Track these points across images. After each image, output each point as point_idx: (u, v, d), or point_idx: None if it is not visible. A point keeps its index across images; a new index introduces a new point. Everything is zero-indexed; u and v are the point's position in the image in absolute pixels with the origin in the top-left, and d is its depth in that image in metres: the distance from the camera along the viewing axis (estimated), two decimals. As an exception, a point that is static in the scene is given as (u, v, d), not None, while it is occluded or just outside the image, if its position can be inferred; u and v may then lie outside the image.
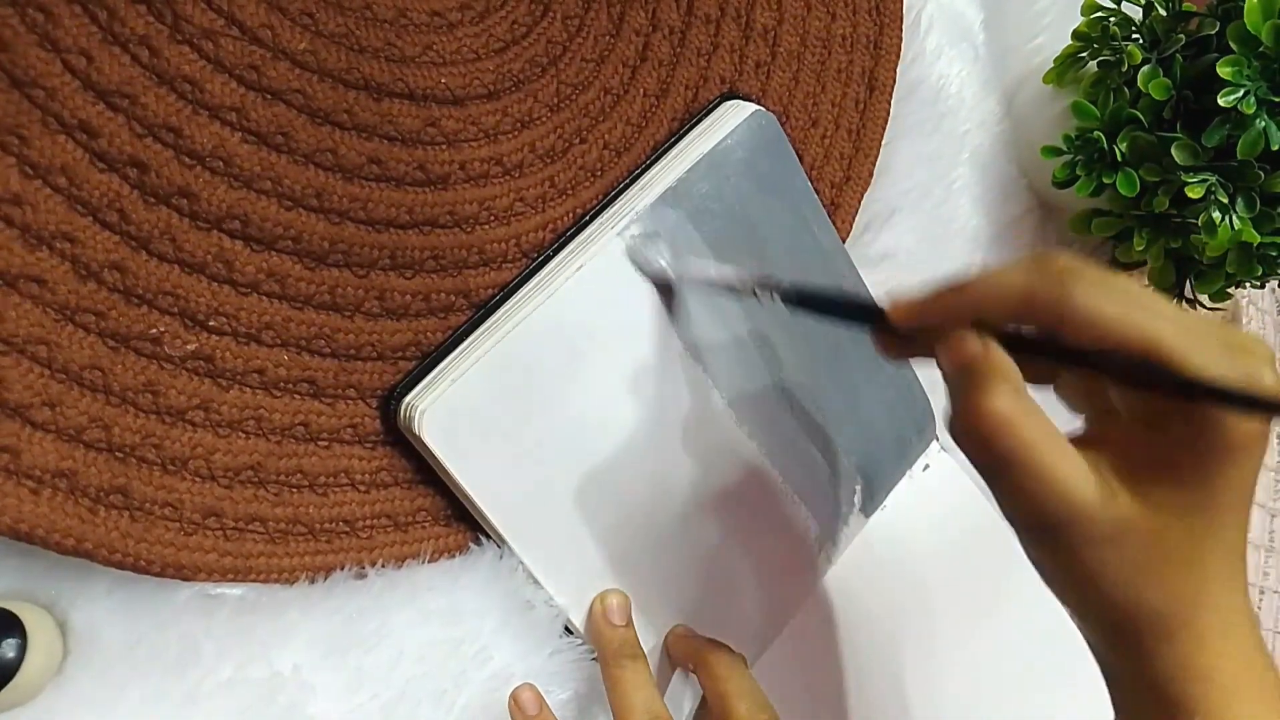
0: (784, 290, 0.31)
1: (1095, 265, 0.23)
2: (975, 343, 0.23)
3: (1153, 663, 0.23)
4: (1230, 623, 0.23)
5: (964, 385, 0.23)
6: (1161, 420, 0.23)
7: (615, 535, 0.35)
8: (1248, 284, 0.45)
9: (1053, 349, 0.23)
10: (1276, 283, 0.57)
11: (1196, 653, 0.23)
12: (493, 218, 0.33)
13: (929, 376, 0.46)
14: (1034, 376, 0.25)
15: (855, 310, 0.29)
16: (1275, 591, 0.66)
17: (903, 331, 0.26)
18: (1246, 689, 0.23)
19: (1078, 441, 0.23)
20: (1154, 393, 0.23)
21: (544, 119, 0.34)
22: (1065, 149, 0.44)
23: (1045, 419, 0.22)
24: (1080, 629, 0.26)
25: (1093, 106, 0.43)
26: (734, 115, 0.37)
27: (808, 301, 0.31)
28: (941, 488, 0.46)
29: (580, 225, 0.35)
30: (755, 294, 0.33)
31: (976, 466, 0.23)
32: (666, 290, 0.35)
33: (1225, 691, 0.22)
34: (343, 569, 0.31)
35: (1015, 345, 0.23)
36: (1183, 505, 0.22)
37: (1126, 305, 0.22)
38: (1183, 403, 0.22)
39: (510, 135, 0.33)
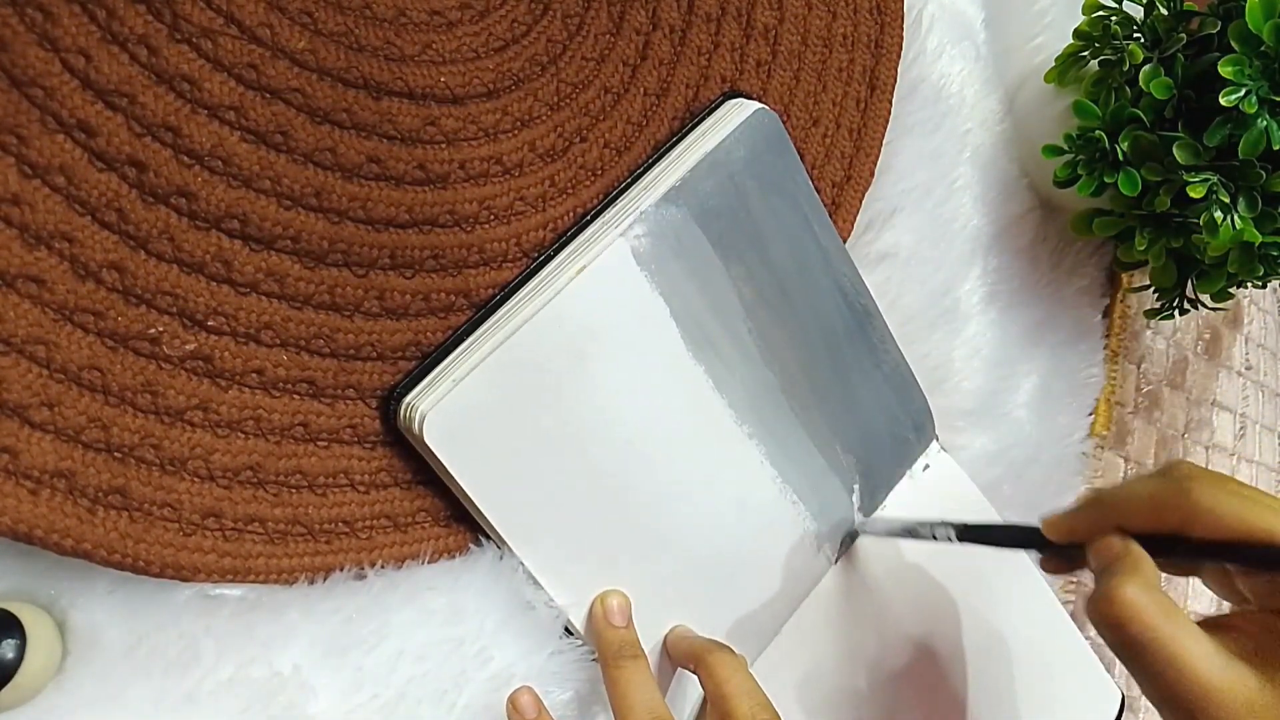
0: (958, 529, 0.38)
1: (1210, 472, 0.28)
2: (1118, 543, 0.28)
3: None
4: None
5: (1102, 577, 0.27)
6: None
7: (615, 536, 0.35)
8: (1249, 284, 0.45)
9: (1184, 545, 0.27)
10: (1278, 282, 0.57)
11: None
12: (493, 217, 0.33)
13: (928, 377, 0.46)
14: (1177, 571, 0.30)
15: (1020, 537, 0.35)
16: None
17: (1060, 546, 0.31)
18: None
19: (1210, 626, 0.26)
20: (1267, 573, 0.26)
21: (544, 118, 0.34)
22: (1066, 148, 0.44)
23: (1173, 605, 0.25)
24: None
25: (1094, 106, 0.43)
26: (735, 114, 0.37)
27: (977, 537, 0.38)
28: (941, 488, 0.46)
29: (581, 225, 0.35)
30: (934, 535, 0.39)
31: (1113, 649, 0.26)
32: (672, 298, 0.35)
33: None
34: (342, 569, 0.31)
35: (1155, 546, 0.27)
36: None
37: (1242, 500, 0.26)
38: None
39: (510, 134, 0.33)
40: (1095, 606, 0.26)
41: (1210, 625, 0.26)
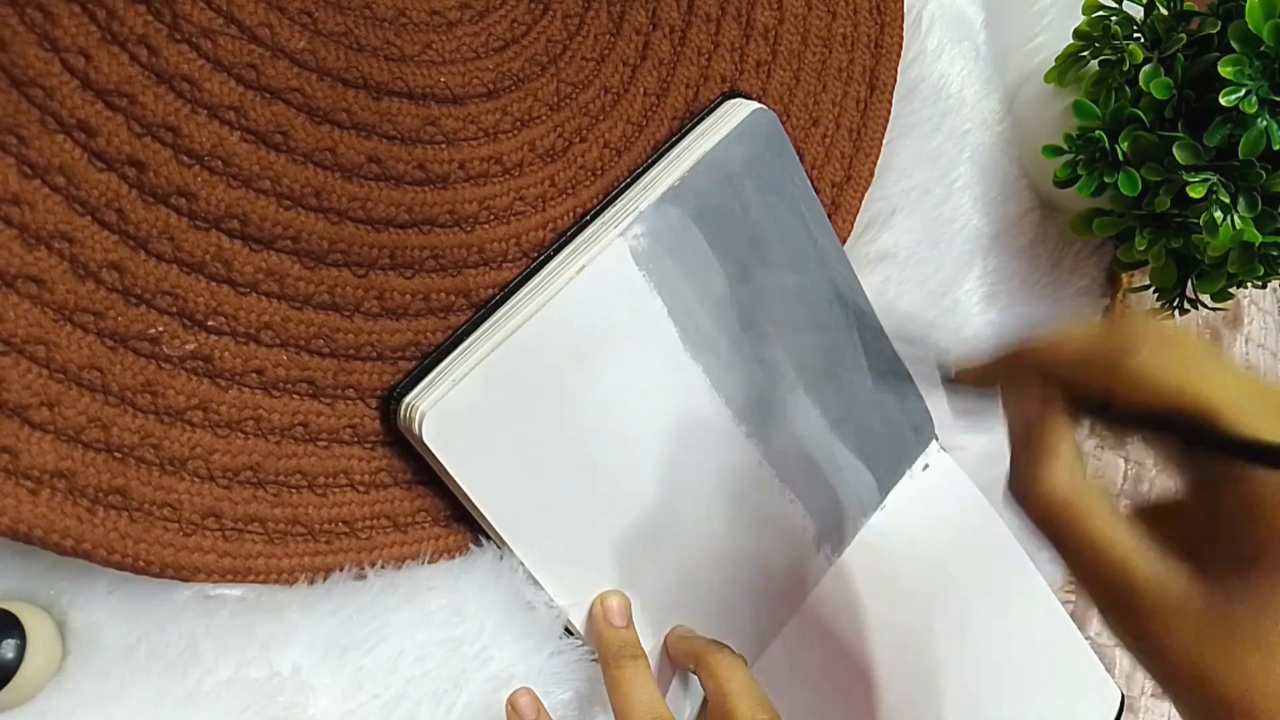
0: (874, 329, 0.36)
1: (1160, 325, 0.24)
2: (1035, 405, 0.25)
3: None
4: None
5: (1023, 456, 0.25)
6: (1217, 489, 0.23)
7: (615, 536, 0.35)
8: (1249, 284, 0.45)
9: (1108, 411, 0.24)
10: (1278, 282, 0.57)
11: None
12: (493, 217, 0.33)
13: (926, 377, 0.46)
14: (1111, 434, 0.27)
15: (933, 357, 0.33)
16: None
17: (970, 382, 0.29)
18: None
19: (1141, 514, 0.24)
20: (1203, 454, 0.23)
21: (544, 118, 0.34)
22: (1066, 148, 0.44)
23: (1101, 494, 0.23)
24: (1170, 698, 0.26)
25: (1094, 106, 0.43)
26: (735, 114, 0.37)
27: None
28: (940, 487, 0.46)
29: (581, 225, 0.35)
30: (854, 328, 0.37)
31: (1037, 532, 0.24)
32: (671, 297, 0.35)
33: None
34: (342, 570, 0.31)
35: (1078, 406, 0.25)
36: (1248, 582, 0.22)
37: (1182, 368, 0.23)
38: (1231, 464, 0.22)
39: (510, 134, 0.33)
40: (1018, 495, 0.25)
41: (1141, 513, 0.25)
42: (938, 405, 0.46)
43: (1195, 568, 0.23)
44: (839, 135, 0.42)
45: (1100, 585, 0.23)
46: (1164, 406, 0.23)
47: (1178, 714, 0.25)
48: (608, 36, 0.36)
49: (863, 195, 0.43)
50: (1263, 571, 0.22)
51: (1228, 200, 0.41)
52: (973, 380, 0.29)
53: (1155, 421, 0.23)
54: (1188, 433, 0.23)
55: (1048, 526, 0.24)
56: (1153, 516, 0.24)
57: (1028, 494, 0.24)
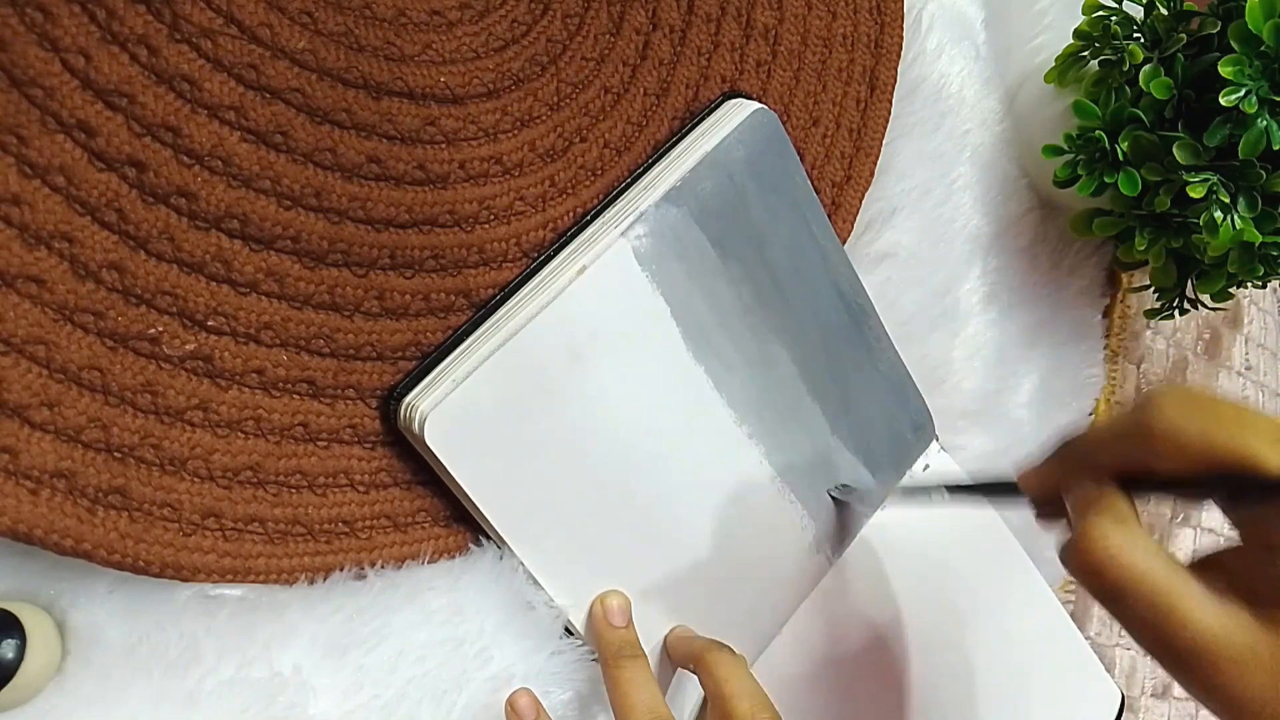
0: (950, 489, 0.37)
1: (1183, 388, 0.24)
2: (1091, 488, 0.25)
3: None
4: None
5: (1076, 522, 0.25)
6: (1270, 531, 0.23)
7: (615, 536, 0.35)
8: (1249, 284, 0.45)
9: (1150, 479, 0.24)
10: (1278, 282, 0.57)
11: None
12: (493, 217, 0.33)
13: (927, 378, 0.46)
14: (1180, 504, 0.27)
15: (1001, 491, 0.33)
16: None
17: (1038, 500, 0.29)
18: None
19: (1199, 566, 0.23)
20: (1250, 504, 0.23)
21: (544, 118, 0.34)
22: (1066, 148, 0.44)
23: (1153, 544, 0.23)
24: None
25: (1094, 106, 0.43)
26: (735, 114, 0.37)
27: (963, 491, 0.36)
28: (942, 487, 0.46)
29: (581, 225, 0.35)
30: (929, 497, 0.38)
31: (1096, 597, 0.24)
32: (672, 297, 0.35)
33: None
34: (342, 570, 0.31)
35: (1128, 484, 0.25)
36: None
37: (1207, 421, 0.23)
38: (1277, 504, 0.22)
39: (510, 134, 0.33)
40: (1069, 553, 0.24)
41: (1199, 565, 0.24)
42: (938, 405, 0.46)
43: (1259, 613, 0.22)
44: (839, 135, 0.42)
45: (1164, 641, 0.23)
46: (1201, 464, 0.23)
47: None
48: (608, 36, 0.36)
49: (863, 195, 0.43)
50: None
51: (1228, 200, 0.41)
52: (1032, 489, 0.29)
53: (1198, 481, 0.23)
54: (1229, 484, 0.23)
55: (1104, 585, 0.23)
56: (1211, 567, 0.24)
57: (1080, 548, 0.24)
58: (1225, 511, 0.26)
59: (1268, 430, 0.22)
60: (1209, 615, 0.22)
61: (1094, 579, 0.23)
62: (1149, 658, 0.25)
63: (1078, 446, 0.27)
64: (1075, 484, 0.26)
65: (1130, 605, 0.23)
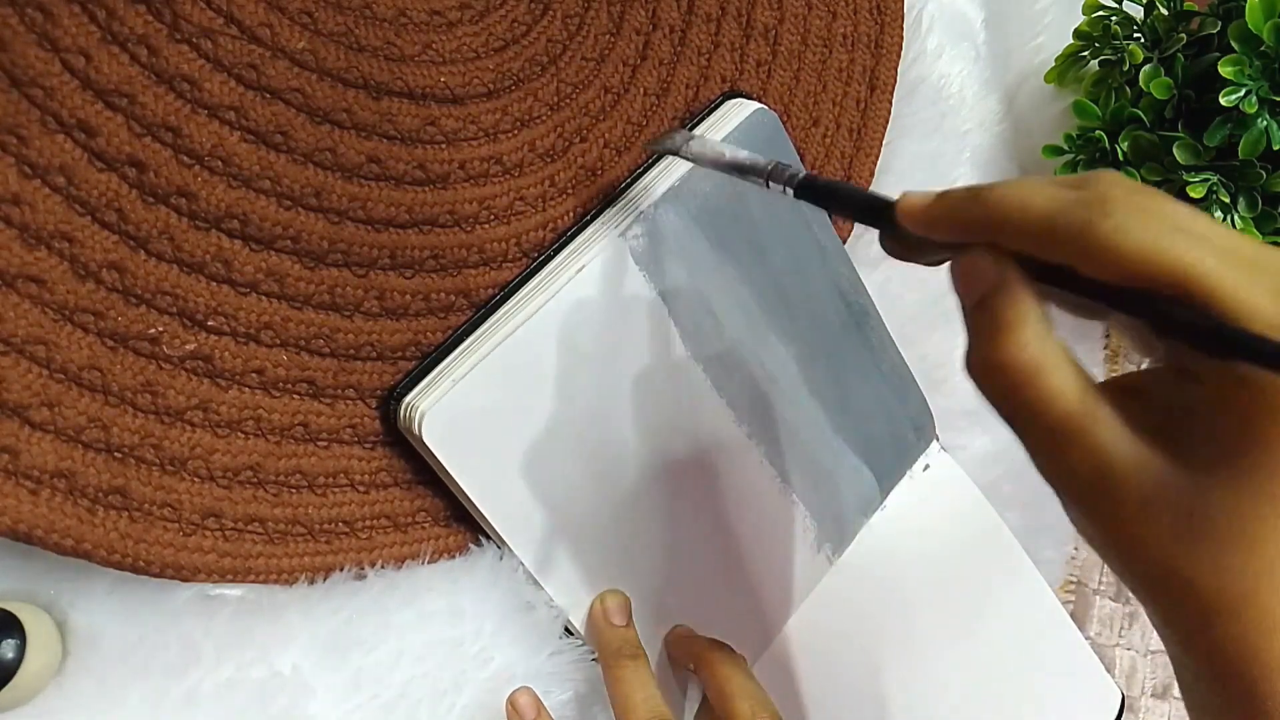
0: (796, 179, 0.29)
1: (1137, 186, 0.20)
2: (991, 269, 0.21)
3: (1212, 644, 0.20)
4: None
5: (981, 323, 0.21)
6: (1205, 374, 0.20)
7: (615, 536, 0.35)
8: (1249, 283, 0.45)
9: (1074, 283, 0.20)
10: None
11: (1263, 639, 0.19)
12: (493, 217, 0.33)
13: (928, 377, 0.46)
14: (1072, 311, 0.23)
15: (864, 205, 0.26)
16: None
17: (913, 236, 0.24)
18: None
19: (1114, 389, 0.20)
20: (1184, 344, 0.20)
21: (544, 118, 0.34)
22: (1067, 148, 0.44)
23: (1072, 367, 0.20)
24: (1142, 605, 0.23)
25: (1094, 106, 0.43)
26: (735, 114, 0.37)
27: (818, 193, 0.29)
28: (941, 488, 0.46)
29: (581, 225, 0.35)
30: (767, 182, 0.30)
31: (998, 413, 0.21)
32: (672, 298, 0.34)
33: None
34: (342, 570, 0.31)
35: (1038, 274, 0.21)
36: (1231, 473, 0.19)
37: (1160, 233, 0.19)
38: (1220, 358, 0.19)
39: (510, 134, 0.33)
40: (978, 363, 0.21)
41: (1114, 389, 0.21)
42: (938, 405, 0.46)
43: (1171, 453, 0.19)
44: (839, 135, 0.42)
45: (1065, 469, 0.20)
46: (1139, 276, 0.19)
47: (1149, 620, 0.22)
48: (608, 36, 0.36)
49: (863, 195, 0.43)
50: (1250, 467, 0.19)
51: (1228, 200, 0.41)
52: (915, 224, 0.24)
53: (1128, 299, 0.19)
54: (1166, 315, 0.19)
55: (1008, 399, 0.20)
56: (1122, 391, 0.21)
57: (987, 366, 0.20)
58: (1144, 340, 0.22)
59: (1230, 252, 0.18)
60: (1119, 452, 0.19)
61: (1002, 396, 0.20)
62: (1122, 590, 0.22)
63: (992, 203, 0.21)
64: (972, 247, 0.22)
65: (1036, 429, 0.20)
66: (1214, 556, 0.19)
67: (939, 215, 0.23)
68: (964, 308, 0.22)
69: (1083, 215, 0.19)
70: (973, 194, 0.22)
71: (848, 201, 0.28)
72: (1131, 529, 0.20)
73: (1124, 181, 0.20)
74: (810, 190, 0.29)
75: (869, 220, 0.26)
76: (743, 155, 0.32)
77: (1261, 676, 0.19)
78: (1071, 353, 0.20)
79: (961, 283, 0.22)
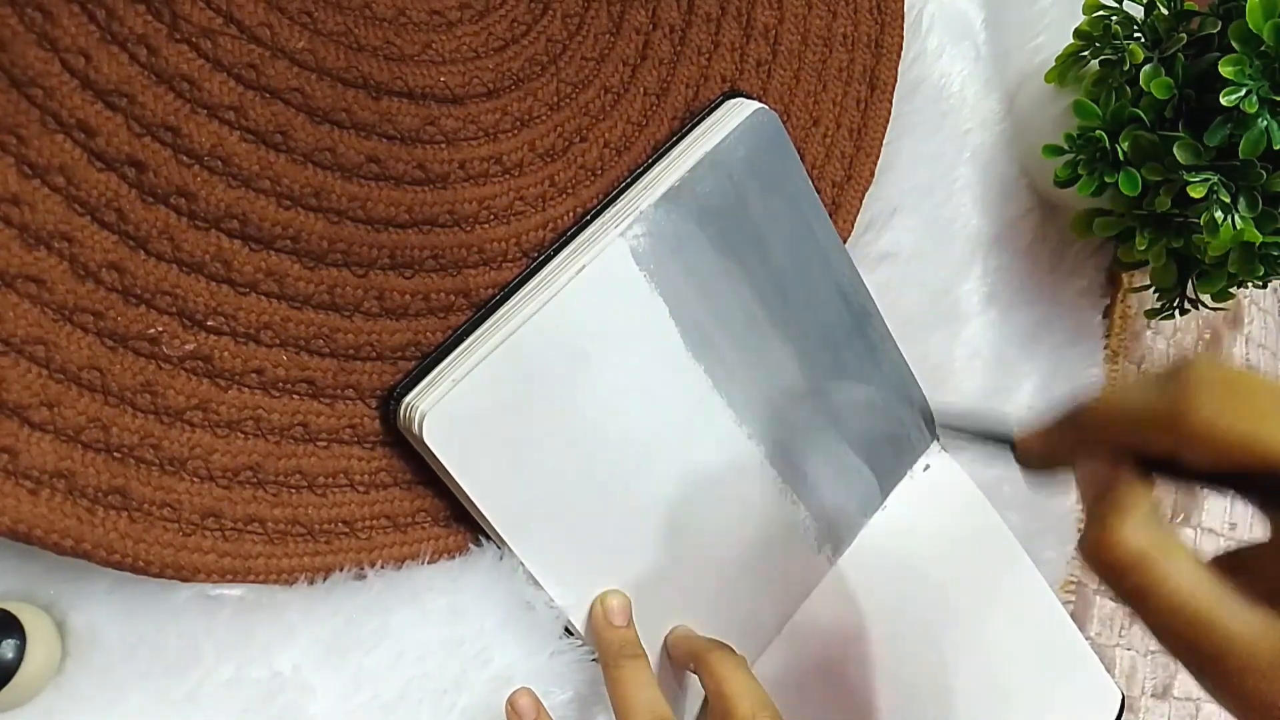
0: (943, 421, 0.33)
1: (1224, 372, 0.22)
2: (1105, 471, 0.23)
3: None
4: None
5: (1095, 514, 0.23)
6: None
7: (615, 536, 0.35)
8: (1249, 284, 0.45)
9: (1178, 471, 0.22)
10: (1278, 282, 0.57)
11: None
12: (493, 217, 0.33)
13: (928, 377, 0.46)
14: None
15: (997, 442, 0.30)
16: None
17: (1034, 463, 0.27)
18: None
19: (1223, 565, 0.22)
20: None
21: (544, 118, 0.34)
22: (1067, 148, 0.44)
23: (1178, 545, 0.22)
24: None
25: (1094, 105, 0.43)
26: (735, 114, 0.37)
27: (957, 428, 0.33)
28: (941, 488, 0.46)
29: (581, 225, 0.35)
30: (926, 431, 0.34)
31: (1116, 596, 0.23)
32: (672, 298, 0.35)
33: None
34: (342, 570, 0.31)
35: (1149, 467, 0.23)
36: None
37: (1249, 415, 0.21)
38: None
39: (510, 134, 0.33)
40: (1090, 553, 0.22)
41: (1223, 565, 0.23)
42: (935, 401, 0.46)
43: None
44: (840, 135, 0.42)
45: (1186, 643, 0.22)
46: (1235, 460, 0.21)
47: None
48: (608, 36, 0.36)
49: (863, 195, 0.43)
50: None
51: (1228, 200, 0.41)
52: (1036, 455, 0.27)
53: (1228, 478, 0.22)
54: (1264, 486, 0.21)
55: (1124, 582, 0.22)
56: (1233, 567, 0.23)
57: (1101, 548, 0.22)
58: (1257, 507, 0.24)
59: None
60: (1234, 618, 0.21)
61: (1118, 579, 0.22)
62: (1171, 660, 0.24)
63: (1093, 417, 0.25)
64: (1086, 458, 0.24)
65: (1155, 608, 0.22)
66: None
67: (1054, 443, 0.26)
68: (1083, 503, 0.24)
69: (1176, 406, 0.22)
70: (1075, 414, 0.25)
71: (981, 439, 0.31)
72: (1261, 694, 0.21)
73: (1210, 368, 0.22)
74: (948, 424, 0.33)
75: (1001, 452, 0.29)
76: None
77: None
78: (1183, 538, 0.22)
79: (1080, 488, 0.25)
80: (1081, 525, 0.24)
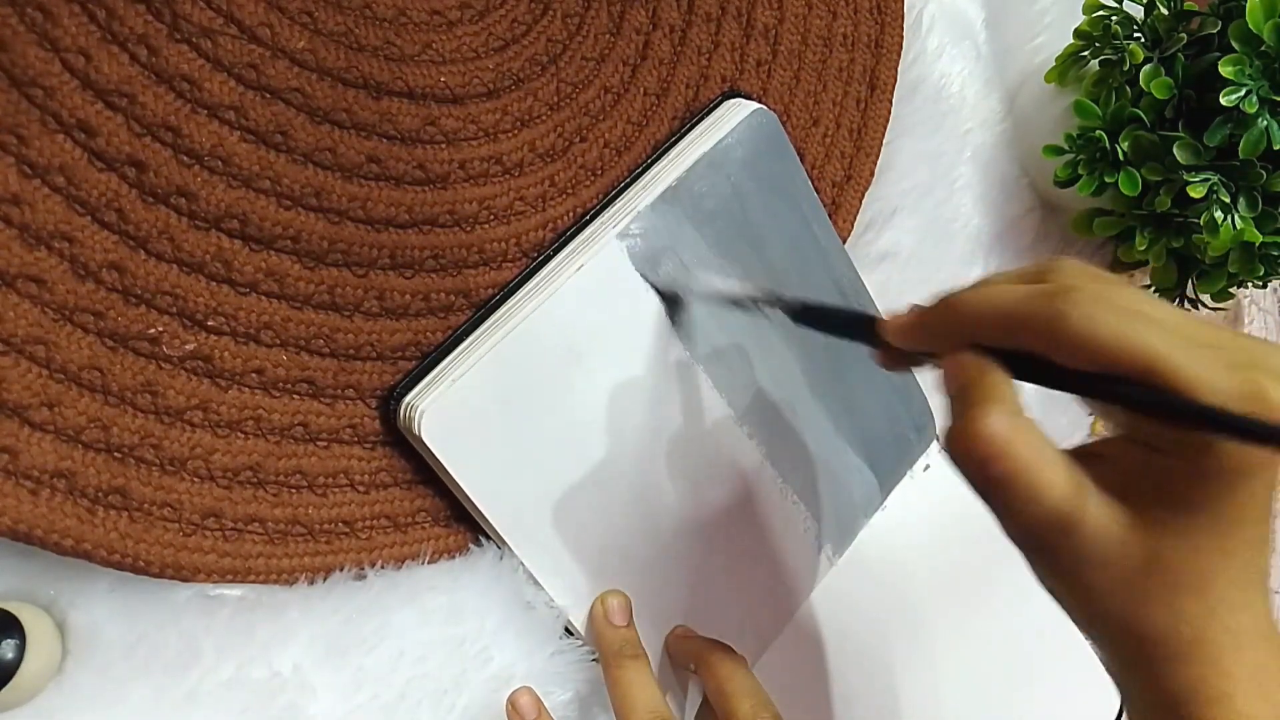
0: (787, 304, 0.32)
1: (1095, 275, 0.22)
2: (972, 365, 0.23)
3: (1163, 683, 0.22)
4: (1245, 644, 0.22)
5: (959, 406, 0.23)
6: (1161, 441, 0.22)
7: (616, 536, 0.35)
8: (1249, 284, 0.45)
9: (1047, 373, 0.22)
10: (1278, 282, 0.57)
11: (1210, 674, 0.22)
12: (493, 217, 0.33)
13: (927, 376, 0.46)
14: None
15: (853, 325, 0.29)
16: (1276, 593, 0.66)
17: (894, 348, 0.27)
18: (1267, 712, 0.22)
19: (1076, 455, 0.22)
20: (1150, 418, 0.22)
21: (544, 118, 0.34)
22: (1067, 148, 0.44)
23: (1040, 439, 0.22)
24: (1092, 647, 0.25)
25: (1094, 105, 0.43)
26: (735, 114, 0.37)
27: (810, 315, 0.32)
28: (942, 488, 0.46)
29: (581, 225, 0.35)
30: (760, 307, 0.33)
31: (972, 486, 0.23)
32: (673, 299, 0.35)
33: (1243, 715, 0.22)
34: (342, 569, 0.31)
35: (1014, 366, 0.23)
36: (1185, 527, 0.21)
37: (1122, 321, 0.21)
38: (1179, 430, 0.21)
39: (510, 134, 0.33)
40: (955, 442, 0.22)
41: (1078, 455, 0.23)
42: (935, 402, 0.46)
43: (1128, 512, 0.22)
44: (839, 135, 0.42)
45: (1040, 537, 0.22)
46: (1108, 364, 0.21)
47: (1103, 664, 0.25)
48: (608, 36, 0.36)
49: (863, 195, 0.43)
50: (1202, 524, 0.21)
51: (1228, 200, 0.41)
52: (898, 339, 0.26)
53: (1097, 384, 0.21)
54: (1134, 396, 0.21)
55: (987, 471, 0.21)
56: (1088, 458, 0.22)
57: (965, 437, 0.22)
58: (1111, 415, 0.24)
59: (1181, 335, 0.20)
60: (1082, 509, 0.21)
61: (980, 469, 0.22)
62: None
63: (963, 310, 0.24)
64: (951, 350, 0.24)
65: (1008, 495, 0.21)
66: (1168, 603, 0.22)
67: (917, 329, 0.26)
68: (950, 400, 0.24)
69: (1053, 307, 0.21)
70: (944, 304, 0.25)
71: (837, 323, 0.31)
72: (1095, 581, 0.22)
73: (1084, 270, 0.23)
74: (802, 311, 0.32)
75: (857, 338, 0.28)
76: (734, 285, 0.35)
77: (1206, 705, 0.22)
78: (1042, 429, 0.22)
79: (948, 381, 0.24)
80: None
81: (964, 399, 0.23)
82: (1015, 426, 0.21)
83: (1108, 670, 0.25)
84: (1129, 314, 0.21)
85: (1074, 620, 0.25)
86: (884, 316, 0.27)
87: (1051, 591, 0.24)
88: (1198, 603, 0.21)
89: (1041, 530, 0.22)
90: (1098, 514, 0.21)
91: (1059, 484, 0.21)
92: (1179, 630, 0.22)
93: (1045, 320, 0.22)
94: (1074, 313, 0.21)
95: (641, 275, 0.34)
